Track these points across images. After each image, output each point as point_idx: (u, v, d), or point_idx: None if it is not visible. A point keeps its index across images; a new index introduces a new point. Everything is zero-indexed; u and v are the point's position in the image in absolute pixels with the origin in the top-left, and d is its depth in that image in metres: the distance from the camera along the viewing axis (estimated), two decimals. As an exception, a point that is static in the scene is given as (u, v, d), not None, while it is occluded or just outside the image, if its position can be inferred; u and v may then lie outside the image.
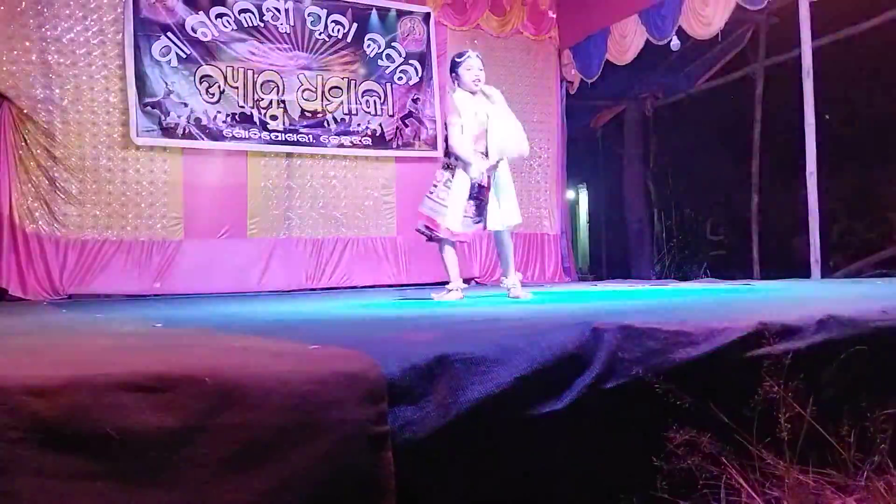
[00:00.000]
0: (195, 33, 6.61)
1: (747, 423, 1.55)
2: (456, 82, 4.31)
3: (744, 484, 1.47)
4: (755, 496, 1.46)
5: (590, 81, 7.94)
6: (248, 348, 1.67)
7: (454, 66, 4.31)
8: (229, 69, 6.74)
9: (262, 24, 6.90)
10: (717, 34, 6.47)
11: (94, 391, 1.13)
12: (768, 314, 1.79)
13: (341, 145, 7.21)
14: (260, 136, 6.86)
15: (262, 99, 6.86)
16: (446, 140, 4.30)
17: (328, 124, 7.15)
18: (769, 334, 1.67)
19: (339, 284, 7.11)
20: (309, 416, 1.26)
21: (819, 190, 5.54)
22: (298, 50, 7.05)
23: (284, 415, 1.24)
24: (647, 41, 7.05)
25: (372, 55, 7.37)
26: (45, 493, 1.08)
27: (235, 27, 6.79)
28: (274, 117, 6.91)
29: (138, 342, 1.97)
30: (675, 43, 6.78)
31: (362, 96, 7.32)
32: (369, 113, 7.34)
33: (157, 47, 6.45)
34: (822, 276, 5.59)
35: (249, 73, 6.82)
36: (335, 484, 1.26)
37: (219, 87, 6.68)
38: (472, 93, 4.23)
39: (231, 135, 6.73)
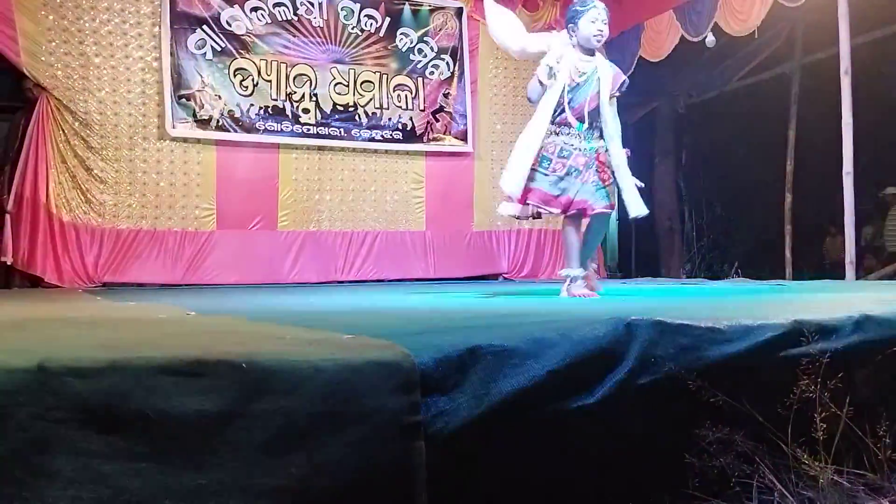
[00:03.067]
0: (230, 26, 6.68)
1: (781, 422, 1.53)
2: (573, 36, 3.73)
3: (777, 483, 1.46)
4: (788, 496, 1.45)
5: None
6: (283, 336, 1.69)
7: (574, 17, 3.72)
8: (263, 62, 6.80)
9: (295, 18, 6.95)
10: (754, 31, 6.38)
11: (135, 374, 1.15)
12: (803, 313, 1.77)
13: (372, 139, 7.25)
14: (292, 130, 6.91)
15: (295, 92, 6.91)
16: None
17: (359, 118, 7.18)
18: (805, 333, 1.65)
19: (368, 277, 7.15)
20: (343, 404, 1.27)
21: (855, 190, 5.44)
22: (331, 44, 7.09)
23: (319, 402, 1.25)
24: (682, 37, 6.98)
25: (404, 49, 7.39)
26: (87, 472, 1.10)
27: (269, 21, 6.85)
28: (306, 111, 6.96)
29: (174, 329, 2.00)
30: (711, 39, 6.70)
31: (394, 90, 7.34)
32: (400, 107, 7.36)
33: (192, 40, 6.53)
34: (857, 278, 5.50)
35: (283, 66, 6.88)
36: (368, 471, 1.27)
37: (252, 80, 6.75)
38: (590, 52, 3.73)
39: (263, 127, 6.80)
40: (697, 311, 2.10)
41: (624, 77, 3.92)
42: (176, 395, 1.15)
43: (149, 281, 6.29)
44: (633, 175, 3.82)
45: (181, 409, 1.14)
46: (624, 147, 3.85)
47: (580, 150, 3.69)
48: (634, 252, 11.13)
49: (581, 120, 3.70)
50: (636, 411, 1.54)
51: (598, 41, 3.75)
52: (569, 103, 3.67)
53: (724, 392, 1.54)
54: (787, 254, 7.91)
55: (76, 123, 6.20)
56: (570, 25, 3.75)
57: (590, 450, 1.51)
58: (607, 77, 3.78)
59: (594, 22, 3.68)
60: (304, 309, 3.11)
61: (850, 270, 5.42)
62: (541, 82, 3.69)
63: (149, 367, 1.17)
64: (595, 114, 3.72)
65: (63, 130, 6.16)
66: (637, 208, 3.79)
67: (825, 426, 1.48)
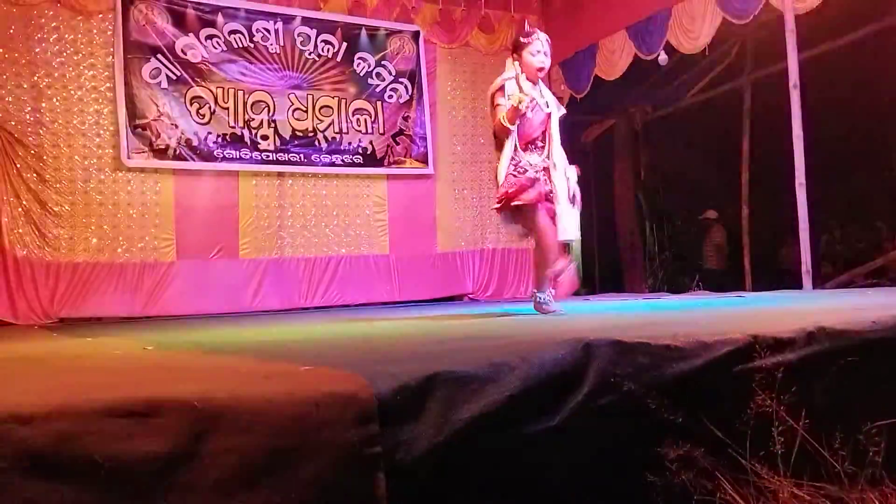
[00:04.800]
0: (185, 55, 6.62)
1: (741, 437, 1.54)
2: (517, 63, 3.84)
3: (738, 499, 1.47)
4: (750, 510, 1.46)
5: (579, 97, 7.98)
6: (239, 370, 1.66)
7: (519, 48, 3.86)
8: (220, 90, 6.75)
9: (251, 45, 6.92)
10: (705, 48, 6.52)
11: (82, 418, 1.12)
12: (760, 327, 1.79)
13: (332, 164, 7.23)
14: (251, 157, 6.86)
15: (253, 119, 6.87)
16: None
17: (319, 143, 7.16)
18: (760, 347, 1.67)
19: (332, 303, 7.10)
20: (300, 438, 1.25)
21: (808, 201, 5.56)
22: (289, 70, 7.07)
23: (275, 438, 1.23)
24: (636, 56, 7.10)
25: (362, 74, 7.40)
26: (33, 522, 1.07)
27: (225, 48, 6.81)
28: (265, 137, 6.92)
29: (128, 366, 1.96)
30: (663, 58, 6.83)
31: (353, 115, 7.34)
32: (360, 131, 7.36)
33: (147, 69, 6.46)
34: (814, 287, 5.60)
35: (240, 93, 6.84)
36: (327, 507, 1.25)
37: (209, 107, 6.69)
38: (533, 82, 3.85)
39: (222, 155, 6.74)
40: (656, 328, 2.12)
41: (562, 108, 4.14)
42: (125, 437, 1.12)
43: (108, 315, 6.16)
44: (583, 192, 3.97)
45: (130, 453, 1.11)
46: (572, 164, 3.96)
47: (535, 168, 3.81)
48: (598, 268, 11.22)
49: (531, 143, 3.84)
50: (597, 432, 1.54)
51: (542, 72, 3.90)
52: (517, 129, 3.80)
53: (683, 409, 1.54)
54: (746, 265, 8.04)
55: (29, 156, 6.07)
56: (515, 55, 3.89)
57: (552, 471, 1.51)
58: (553, 102, 3.97)
59: (537, 54, 3.83)
60: (264, 339, 3.07)
61: (806, 279, 5.52)
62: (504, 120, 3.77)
63: (97, 409, 1.14)
64: (543, 136, 3.87)
65: (15, 164, 6.03)
66: (570, 233, 3.89)
67: (783, 439, 1.49)
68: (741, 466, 1.52)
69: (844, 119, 7.10)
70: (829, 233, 8.34)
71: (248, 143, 6.84)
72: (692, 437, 1.53)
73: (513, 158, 3.78)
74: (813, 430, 1.56)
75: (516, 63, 3.85)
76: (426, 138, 7.65)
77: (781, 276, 7.59)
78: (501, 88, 3.81)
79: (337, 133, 7.26)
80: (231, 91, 6.81)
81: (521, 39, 3.87)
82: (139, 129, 6.42)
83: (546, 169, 3.83)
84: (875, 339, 1.83)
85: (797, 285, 5.66)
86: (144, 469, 1.11)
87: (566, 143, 4.04)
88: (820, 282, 6.26)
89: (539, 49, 3.81)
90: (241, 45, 6.88)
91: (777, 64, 6.74)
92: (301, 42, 7.15)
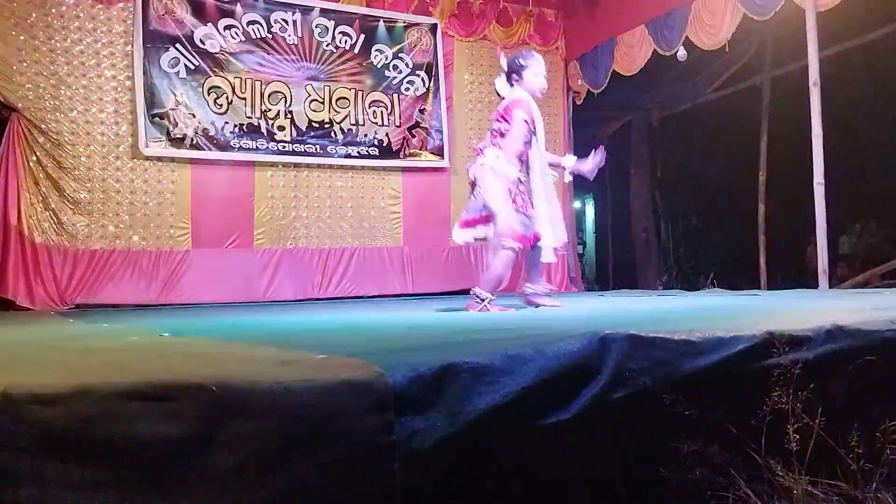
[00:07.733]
0: (204, 45, 6.65)
1: (756, 433, 1.54)
2: (517, 84, 3.91)
3: (752, 495, 1.46)
4: (764, 507, 1.45)
5: (596, 92, 7.95)
6: (255, 357, 1.67)
7: (519, 70, 3.89)
8: (237, 80, 6.77)
9: (269, 36, 6.94)
10: (724, 44, 6.47)
11: (101, 400, 1.13)
12: (776, 324, 1.78)
13: (348, 156, 7.23)
14: (267, 147, 6.88)
15: (270, 110, 6.89)
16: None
17: (335, 135, 7.17)
18: (777, 344, 1.66)
19: (346, 294, 7.11)
20: (316, 425, 1.26)
21: (827, 200, 5.51)
22: (306, 61, 7.08)
23: (291, 424, 1.24)
24: (654, 52, 7.06)
25: (379, 66, 7.40)
26: (51, 502, 1.08)
27: (244, 38, 6.83)
28: (281, 128, 6.93)
29: (146, 351, 1.97)
30: (682, 53, 6.78)
31: (369, 107, 7.34)
32: (376, 123, 7.36)
33: (165, 59, 6.49)
34: (830, 287, 5.56)
35: (257, 83, 6.86)
36: (342, 494, 1.26)
37: (227, 97, 6.71)
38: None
39: (238, 145, 6.76)
40: (672, 323, 2.11)
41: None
42: (143, 420, 1.13)
43: (123, 302, 6.21)
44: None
45: (148, 435, 1.12)
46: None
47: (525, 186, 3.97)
48: (612, 264, 11.18)
49: (523, 160, 3.93)
50: (611, 425, 1.54)
51: (543, 93, 3.99)
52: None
53: (698, 404, 1.54)
54: (762, 263, 7.99)
55: (48, 144, 6.12)
56: (515, 77, 3.92)
57: (565, 464, 1.51)
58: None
59: (538, 76, 3.91)
60: (279, 328, 3.08)
61: (822, 279, 5.48)
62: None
63: (115, 392, 1.15)
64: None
65: (35, 151, 6.08)
66: (560, 237, 4.09)
67: (798, 437, 1.49)
68: (756, 463, 1.51)
69: (865, 118, 7.04)
70: (847, 233, 8.28)
71: (265, 133, 6.87)
72: (707, 433, 1.52)
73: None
74: (829, 429, 1.55)
75: (513, 84, 3.97)
76: (442, 131, 7.64)
77: (797, 276, 7.55)
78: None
79: (353, 125, 7.26)
80: (248, 81, 6.83)
81: (522, 61, 3.95)
82: (157, 119, 6.45)
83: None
84: (893, 338, 1.82)
85: (813, 284, 5.61)
86: (162, 451, 1.12)
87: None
88: (836, 281, 6.20)
89: (539, 71, 3.93)
90: (259, 36, 6.90)
91: (797, 61, 6.69)
92: (319, 33, 7.15)
